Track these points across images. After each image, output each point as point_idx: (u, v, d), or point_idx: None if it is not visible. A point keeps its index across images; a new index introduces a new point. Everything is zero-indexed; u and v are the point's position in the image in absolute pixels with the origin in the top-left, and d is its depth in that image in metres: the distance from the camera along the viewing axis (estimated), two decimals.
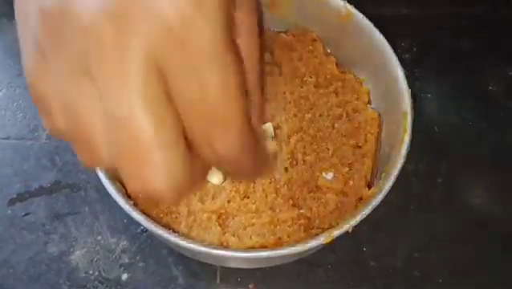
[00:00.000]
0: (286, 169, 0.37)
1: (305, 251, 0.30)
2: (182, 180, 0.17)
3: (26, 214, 0.41)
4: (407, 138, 0.33)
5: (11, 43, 0.48)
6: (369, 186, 0.36)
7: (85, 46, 0.16)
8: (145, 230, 0.40)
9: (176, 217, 0.35)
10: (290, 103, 0.39)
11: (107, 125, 0.17)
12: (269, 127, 0.38)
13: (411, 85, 0.35)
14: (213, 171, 0.36)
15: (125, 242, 0.40)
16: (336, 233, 0.30)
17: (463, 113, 0.46)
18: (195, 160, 0.18)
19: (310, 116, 0.38)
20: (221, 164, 0.18)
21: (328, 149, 0.37)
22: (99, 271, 0.39)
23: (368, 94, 0.40)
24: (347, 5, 0.38)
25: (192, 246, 0.30)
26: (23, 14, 0.18)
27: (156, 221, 0.32)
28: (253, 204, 0.35)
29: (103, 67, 0.16)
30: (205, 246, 0.31)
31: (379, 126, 0.38)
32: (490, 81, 0.47)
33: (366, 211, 0.30)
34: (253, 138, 0.18)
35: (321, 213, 0.35)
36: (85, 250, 0.39)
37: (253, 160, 0.19)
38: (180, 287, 0.38)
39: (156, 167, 0.17)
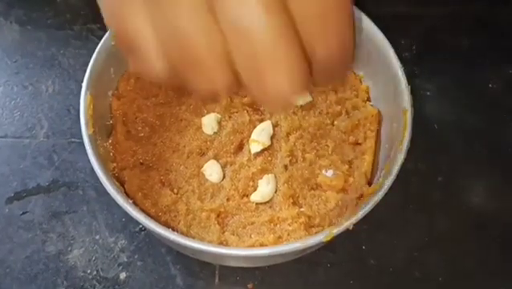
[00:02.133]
0: (285, 167, 0.36)
1: (305, 249, 0.30)
2: (301, 79, 0.19)
3: (23, 213, 0.40)
4: (407, 135, 0.33)
5: (8, 42, 0.47)
6: (369, 184, 0.36)
7: None
8: (143, 229, 0.40)
9: (175, 216, 0.35)
10: None
11: (232, 39, 0.18)
12: (268, 125, 0.37)
13: (410, 83, 0.34)
14: (212, 169, 0.36)
15: (123, 241, 0.39)
16: (337, 230, 0.30)
17: (463, 111, 0.46)
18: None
19: (309, 113, 0.38)
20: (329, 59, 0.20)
21: (328, 147, 0.37)
22: (97, 270, 0.38)
23: (367, 91, 0.40)
24: None
25: (191, 243, 0.30)
26: None
27: (155, 219, 0.32)
28: (253, 202, 0.35)
29: None
30: (203, 243, 0.30)
31: (379, 123, 0.38)
32: (490, 79, 0.47)
33: (367, 208, 0.30)
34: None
35: (321, 211, 0.34)
36: (83, 249, 0.39)
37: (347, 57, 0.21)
38: (179, 287, 0.38)
39: (281, 70, 0.18)
